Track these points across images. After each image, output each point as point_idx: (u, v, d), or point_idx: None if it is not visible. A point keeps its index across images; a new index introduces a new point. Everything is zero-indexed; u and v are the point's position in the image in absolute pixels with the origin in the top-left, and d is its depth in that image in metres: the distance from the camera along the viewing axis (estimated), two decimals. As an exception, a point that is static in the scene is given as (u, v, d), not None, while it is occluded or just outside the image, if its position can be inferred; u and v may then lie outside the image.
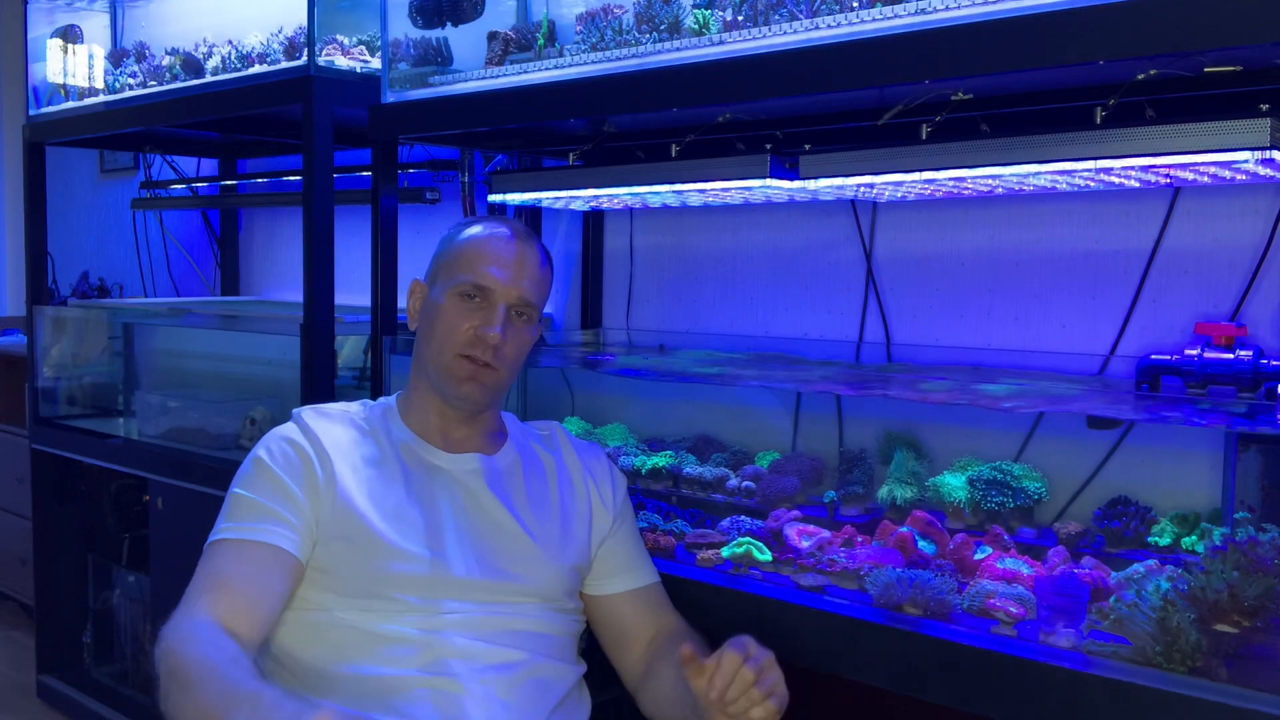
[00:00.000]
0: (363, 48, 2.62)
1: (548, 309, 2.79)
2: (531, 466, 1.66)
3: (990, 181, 1.70)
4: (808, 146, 1.86)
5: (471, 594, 1.50)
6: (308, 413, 1.60)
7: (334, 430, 1.57)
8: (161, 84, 3.02)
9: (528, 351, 1.63)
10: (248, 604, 1.40)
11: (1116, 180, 1.63)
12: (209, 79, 2.86)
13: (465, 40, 2.30)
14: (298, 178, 2.92)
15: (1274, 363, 1.63)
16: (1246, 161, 1.40)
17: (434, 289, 1.62)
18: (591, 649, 1.69)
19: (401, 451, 1.59)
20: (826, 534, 1.82)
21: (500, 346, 1.56)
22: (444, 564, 1.50)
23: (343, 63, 2.56)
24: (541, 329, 1.69)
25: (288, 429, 1.58)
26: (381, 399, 1.69)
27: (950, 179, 1.67)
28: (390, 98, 2.27)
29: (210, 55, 2.92)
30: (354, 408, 1.65)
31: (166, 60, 3.08)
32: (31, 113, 3.46)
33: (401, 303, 1.81)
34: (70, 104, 3.39)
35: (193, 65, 2.87)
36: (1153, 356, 1.74)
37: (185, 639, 1.31)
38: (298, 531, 1.47)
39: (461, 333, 1.56)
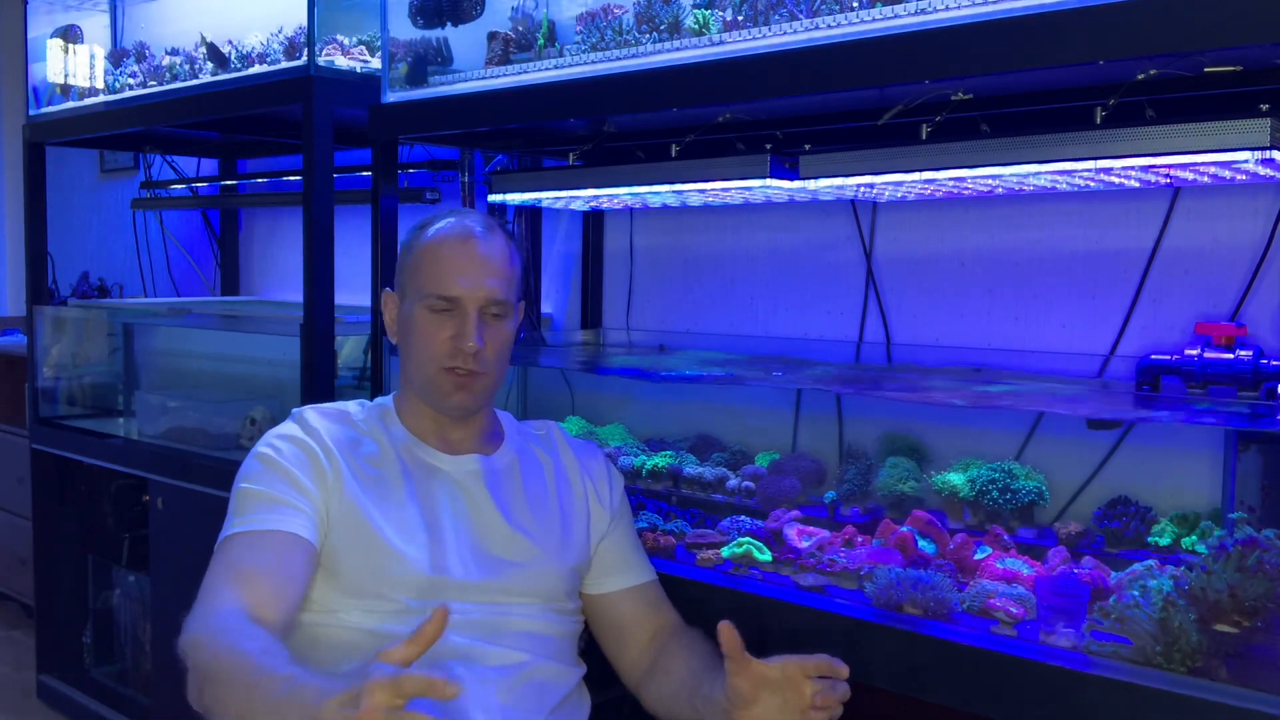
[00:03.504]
0: (363, 48, 2.62)
1: (547, 309, 2.80)
2: (529, 466, 1.65)
3: (990, 181, 1.70)
4: (808, 146, 1.86)
5: (472, 595, 1.50)
6: (308, 412, 1.60)
7: (335, 429, 1.57)
8: (161, 84, 3.02)
9: (511, 346, 1.61)
10: (272, 590, 1.39)
11: (1116, 180, 1.63)
12: (208, 79, 2.86)
13: (465, 40, 2.30)
14: (298, 178, 2.91)
15: (1274, 363, 1.63)
16: (1246, 161, 1.40)
17: (404, 301, 1.60)
18: (591, 649, 1.69)
19: (401, 451, 1.59)
20: (826, 534, 1.82)
21: (479, 353, 1.54)
22: (444, 565, 1.50)
23: (343, 63, 2.56)
24: (520, 317, 1.66)
25: (289, 427, 1.57)
26: (378, 399, 1.68)
27: (950, 179, 1.67)
28: (390, 98, 2.27)
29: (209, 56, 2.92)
30: (352, 407, 1.64)
31: (167, 60, 3.08)
32: (31, 113, 3.46)
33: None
34: (70, 104, 3.39)
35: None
36: (1153, 356, 1.74)
37: (215, 631, 1.29)
38: (311, 520, 1.47)
39: (438, 346, 1.54)
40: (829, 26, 1.62)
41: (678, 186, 1.95)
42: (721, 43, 1.76)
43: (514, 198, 2.27)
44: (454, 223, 1.60)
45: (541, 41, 2.10)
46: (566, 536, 1.61)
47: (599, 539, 1.66)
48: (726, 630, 1.32)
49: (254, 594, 1.37)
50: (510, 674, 1.48)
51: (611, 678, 1.66)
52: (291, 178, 3.49)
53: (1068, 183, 1.69)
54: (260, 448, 1.53)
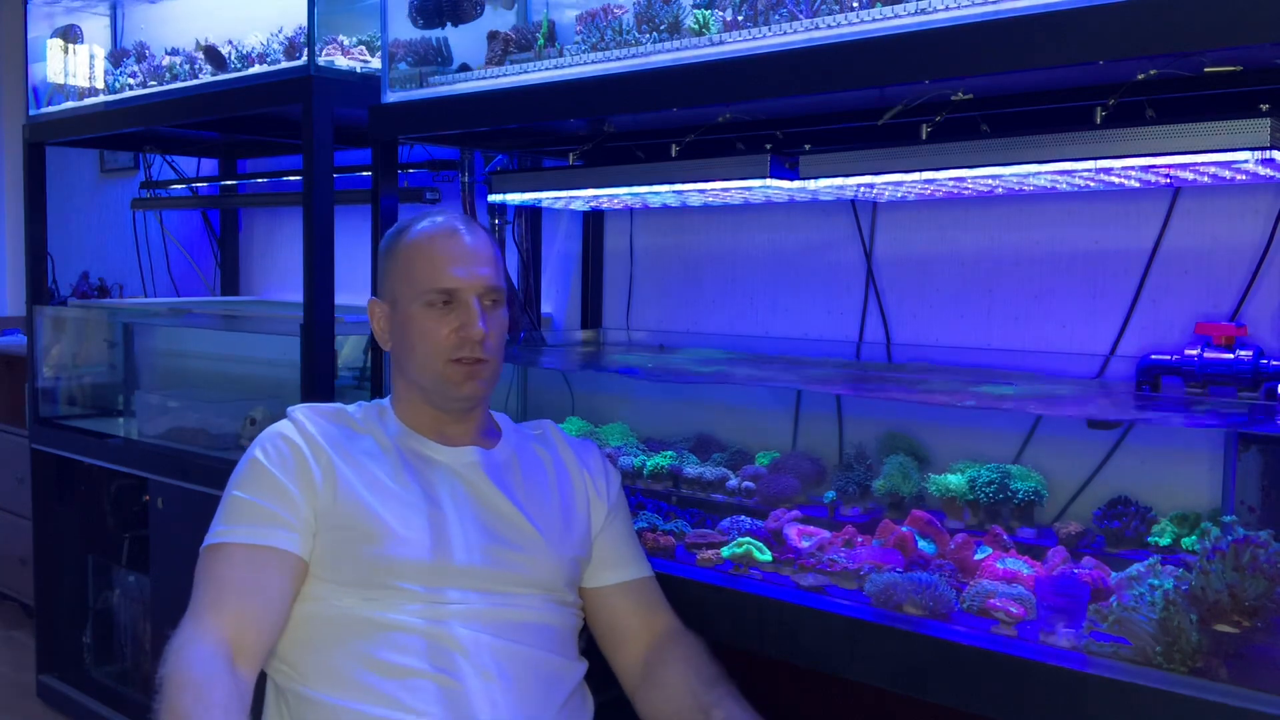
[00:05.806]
0: (363, 48, 2.62)
1: (547, 309, 2.80)
2: (528, 461, 1.66)
3: (990, 181, 1.70)
4: (808, 146, 1.86)
5: (474, 583, 1.50)
6: (303, 409, 1.61)
7: (329, 426, 1.58)
8: (162, 84, 3.02)
9: (506, 334, 1.65)
10: (255, 615, 1.42)
11: (1116, 180, 1.63)
12: (208, 79, 2.86)
13: (465, 40, 2.30)
14: (298, 178, 2.92)
15: (1274, 363, 1.63)
16: (1246, 161, 1.40)
17: (396, 305, 1.61)
18: (592, 649, 1.69)
19: (399, 444, 1.59)
20: (826, 534, 1.82)
21: (485, 339, 1.56)
22: (446, 551, 1.50)
23: (343, 63, 2.56)
24: (510, 307, 1.70)
25: (283, 426, 1.58)
26: (375, 400, 1.70)
27: (950, 179, 1.67)
28: (390, 98, 2.27)
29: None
30: (350, 407, 1.66)
31: (167, 60, 3.08)
32: (31, 113, 3.46)
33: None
34: (70, 104, 3.39)
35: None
36: (1153, 356, 1.74)
37: (184, 673, 1.31)
38: (297, 531, 1.48)
39: (443, 340, 1.56)
40: (829, 26, 1.62)
41: (678, 186, 1.95)
42: (721, 43, 1.76)
43: (514, 198, 2.27)
44: (434, 221, 1.63)
45: (541, 41, 2.10)
46: (567, 527, 1.62)
47: (598, 531, 1.67)
48: None
49: (236, 621, 1.40)
50: (514, 664, 1.48)
51: (612, 678, 1.66)
52: (291, 178, 3.49)
53: (1068, 183, 1.69)
54: (253, 450, 1.55)
